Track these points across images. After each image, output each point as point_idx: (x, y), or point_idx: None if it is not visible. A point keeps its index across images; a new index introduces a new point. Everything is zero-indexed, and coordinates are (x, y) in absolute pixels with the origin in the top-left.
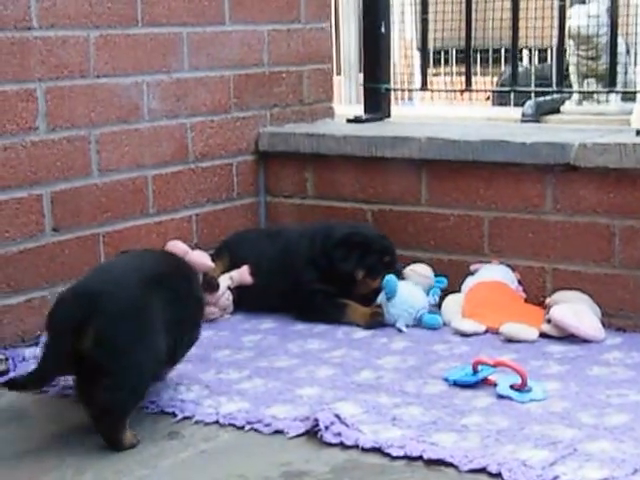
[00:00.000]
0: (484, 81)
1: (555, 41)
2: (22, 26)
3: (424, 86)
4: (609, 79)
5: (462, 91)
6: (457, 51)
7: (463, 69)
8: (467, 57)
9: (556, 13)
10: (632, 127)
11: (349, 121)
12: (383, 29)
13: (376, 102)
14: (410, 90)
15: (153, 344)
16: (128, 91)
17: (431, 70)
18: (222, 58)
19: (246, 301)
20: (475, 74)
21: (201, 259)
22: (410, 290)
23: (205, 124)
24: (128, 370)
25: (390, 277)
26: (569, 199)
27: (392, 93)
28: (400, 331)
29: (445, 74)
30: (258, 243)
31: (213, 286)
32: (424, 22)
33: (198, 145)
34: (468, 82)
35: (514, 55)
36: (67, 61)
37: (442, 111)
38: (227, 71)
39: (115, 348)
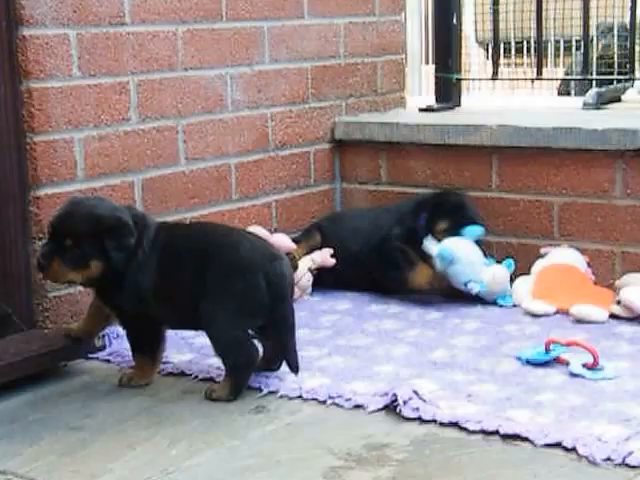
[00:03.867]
0: (553, 71)
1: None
2: (116, 22)
3: (495, 75)
4: None
5: (533, 79)
6: (516, 42)
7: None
8: (539, 46)
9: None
10: None
11: (421, 110)
12: (455, 20)
13: (447, 91)
14: (481, 80)
15: None
16: (213, 83)
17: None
18: (300, 50)
19: (331, 279)
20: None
21: (283, 241)
22: (467, 252)
23: (284, 114)
24: None
25: (442, 247)
26: (639, 184)
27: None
28: (474, 295)
29: (504, 65)
30: (350, 221)
31: (293, 266)
32: (495, 13)
33: (278, 134)
34: (539, 71)
35: (585, 44)
36: (157, 55)
37: (504, 101)
38: (305, 63)
39: None
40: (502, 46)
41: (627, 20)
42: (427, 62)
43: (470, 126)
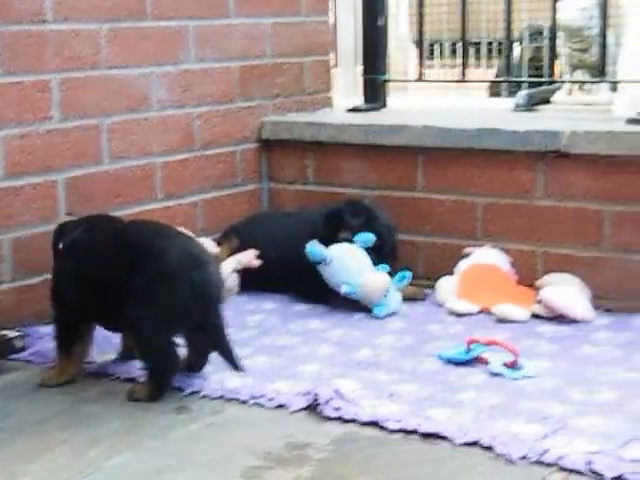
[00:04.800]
0: (482, 72)
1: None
2: (38, 20)
3: (420, 77)
4: (600, 70)
5: (457, 81)
6: (450, 44)
7: (456, 61)
8: (464, 49)
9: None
10: (616, 115)
11: (349, 110)
12: (381, 22)
13: (374, 92)
14: (407, 81)
15: None
16: (137, 82)
17: (425, 62)
18: (227, 50)
19: (252, 282)
20: (467, 66)
21: (206, 246)
22: (345, 256)
23: (210, 113)
24: None
25: (311, 247)
26: (560, 185)
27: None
28: (344, 296)
29: (439, 66)
30: (267, 226)
31: None
32: (420, 16)
33: (204, 133)
34: (463, 73)
35: (509, 47)
36: (80, 53)
37: (436, 102)
38: (231, 62)
39: None
40: (439, 47)
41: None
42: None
43: (396, 127)
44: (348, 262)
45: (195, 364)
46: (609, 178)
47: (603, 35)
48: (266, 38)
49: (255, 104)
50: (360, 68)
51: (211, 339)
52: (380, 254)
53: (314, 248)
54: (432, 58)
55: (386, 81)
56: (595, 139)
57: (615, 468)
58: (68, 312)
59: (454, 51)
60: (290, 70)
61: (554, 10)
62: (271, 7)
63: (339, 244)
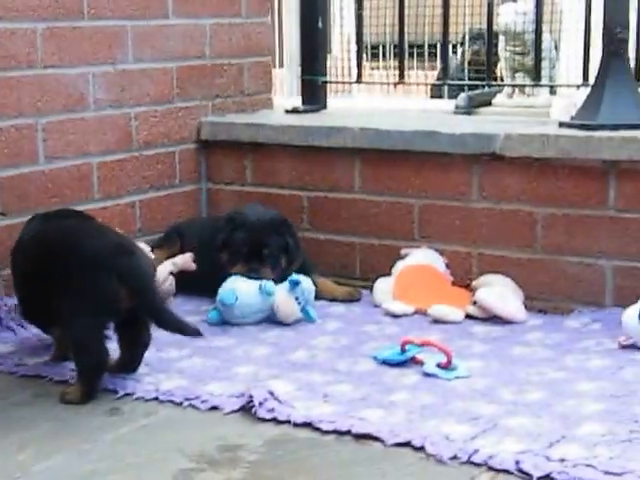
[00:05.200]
0: (424, 75)
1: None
2: None
3: (359, 79)
4: (535, 74)
5: (395, 84)
6: (394, 46)
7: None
8: (400, 51)
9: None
10: (552, 119)
11: (287, 112)
12: (320, 23)
13: (313, 94)
14: (345, 83)
15: None
16: (74, 81)
17: (369, 64)
18: (165, 50)
19: (188, 286)
20: (412, 68)
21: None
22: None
23: (149, 114)
24: None
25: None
26: (494, 187)
27: (332, 86)
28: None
29: (383, 68)
30: (202, 230)
31: None
32: (359, 17)
33: (142, 134)
34: (402, 75)
35: (444, 50)
36: (15, 52)
37: (379, 103)
38: (170, 63)
39: None
40: (380, 49)
41: (495, 27)
42: None
43: (333, 128)
44: (252, 300)
45: (129, 364)
46: (542, 181)
47: (537, 39)
48: (205, 39)
49: (194, 105)
50: None
51: (141, 327)
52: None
53: (228, 294)
54: (376, 60)
55: (325, 82)
56: (528, 142)
57: (543, 467)
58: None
59: (397, 53)
60: (230, 71)
61: (490, 14)
62: (210, 8)
63: (235, 280)
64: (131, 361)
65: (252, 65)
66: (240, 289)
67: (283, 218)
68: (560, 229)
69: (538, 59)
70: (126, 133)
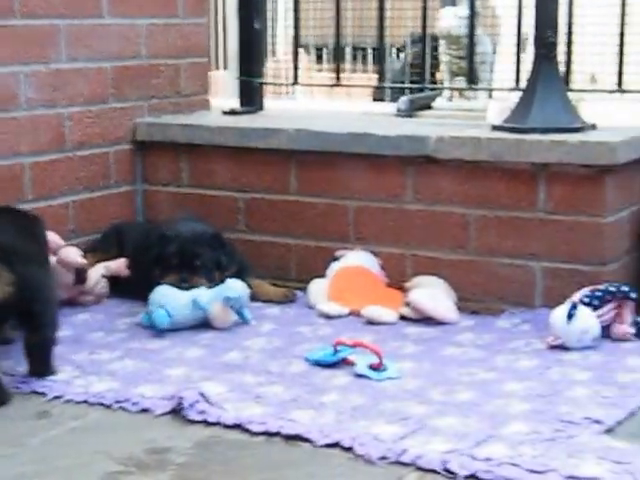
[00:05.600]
0: (367, 77)
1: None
2: None
3: (295, 81)
4: (469, 77)
5: (332, 85)
6: (340, 48)
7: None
8: (337, 53)
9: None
10: (487, 122)
11: (224, 113)
12: (257, 25)
13: (251, 95)
14: (282, 85)
15: None
16: (5, 80)
17: (314, 65)
18: (100, 50)
19: (122, 289)
20: (356, 71)
21: (71, 256)
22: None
23: (83, 114)
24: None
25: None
26: (428, 189)
27: (277, 88)
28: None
29: (326, 70)
30: (138, 235)
31: (82, 279)
32: (296, 20)
33: (76, 134)
34: (338, 77)
35: (380, 52)
36: None
37: (322, 105)
38: (105, 63)
39: None
40: (325, 51)
41: (436, 31)
42: None
43: (269, 130)
44: (186, 315)
45: (31, 368)
46: (474, 183)
47: (471, 44)
48: (141, 39)
49: (129, 105)
50: None
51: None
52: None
53: (161, 318)
54: (321, 62)
55: (262, 84)
56: (461, 145)
57: (468, 467)
58: None
59: (342, 56)
60: (166, 72)
61: (424, 18)
62: (146, 8)
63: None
64: (31, 365)
65: (189, 66)
66: (171, 305)
67: (215, 232)
68: (492, 231)
69: (470, 63)
70: (59, 133)
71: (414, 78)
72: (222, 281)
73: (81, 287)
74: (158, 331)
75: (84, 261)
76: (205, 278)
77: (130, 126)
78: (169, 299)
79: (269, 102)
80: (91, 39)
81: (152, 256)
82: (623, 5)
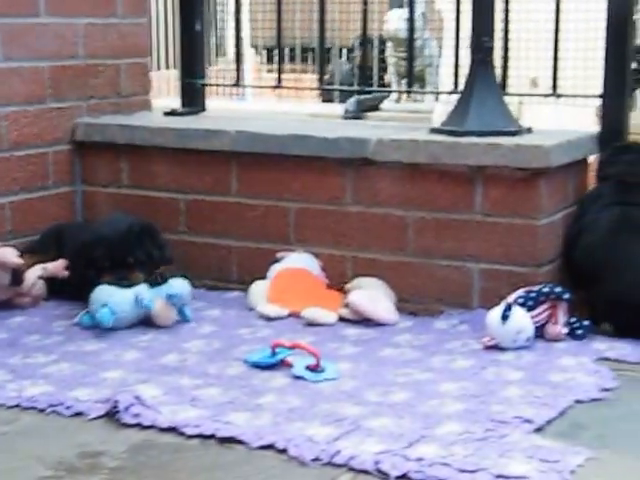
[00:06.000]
0: (316, 78)
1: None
2: None
3: (237, 82)
4: (409, 80)
5: (274, 87)
6: (290, 49)
7: (294, 66)
8: (280, 55)
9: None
10: (432, 124)
11: (166, 114)
12: (198, 27)
13: (192, 96)
14: (225, 86)
15: None
16: None
17: (265, 66)
18: (37, 49)
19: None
20: (306, 72)
21: (7, 256)
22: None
23: (20, 114)
24: None
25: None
26: (367, 192)
27: (227, 90)
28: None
29: (276, 71)
30: (77, 235)
31: (18, 280)
32: (237, 22)
33: (12, 134)
34: (279, 79)
35: (321, 54)
36: None
37: (271, 106)
38: (42, 62)
39: None
40: (275, 52)
41: (383, 33)
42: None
43: (210, 131)
44: (128, 312)
45: None
46: (412, 185)
47: (410, 46)
48: (79, 38)
49: (67, 105)
50: None
51: None
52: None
53: (105, 316)
54: (271, 63)
55: (204, 85)
56: (399, 147)
57: (400, 467)
58: None
59: (293, 57)
60: (105, 72)
61: (364, 21)
62: (84, 7)
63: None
64: None
65: (129, 66)
66: (114, 302)
67: (144, 224)
68: (430, 233)
69: (410, 66)
70: None
71: (361, 80)
72: (165, 279)
73: (17, 288)
74: (103, 329)
75: (20, 261)
76: (142, 272)
77: (69, 126)
78: (112, 297)
79: (220, 103)
80: (27, 38)
81: (84, 260)
82: (557, 10)
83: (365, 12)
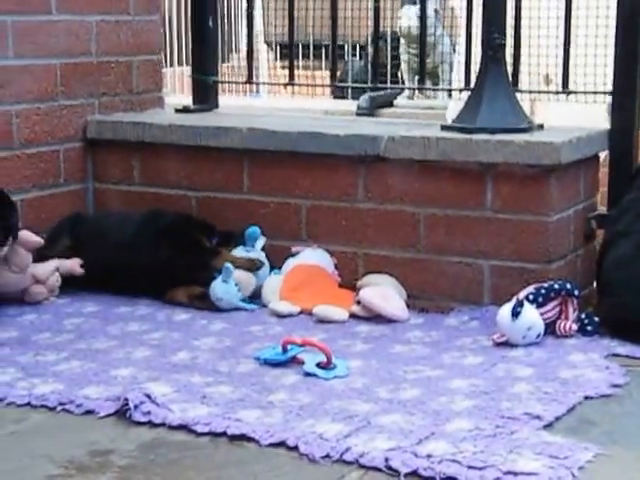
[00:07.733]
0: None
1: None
2: None
3: (250, 79)
4: (420, 76)
5: (285, 84)
6: (303, 46)
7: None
8: (290, 51)
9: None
10: (445, 121)
11: (177, 111)
12: (211, 23)
13: (204, 93)
14: (237, 83)
15: None
16: None
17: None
18: (48, 47)
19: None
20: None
21: (28, 236)
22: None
23: (31, 111)
24: None
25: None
26: (379, 188)
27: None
28: None
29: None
30: (95, 226)
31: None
32: (249, 18)
33: (24, 132)
34: (292, 76)
35: (333, 51)
36: None
37: (285, 103)
38: (53, 60)
39: None
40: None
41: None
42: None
43: (221, 128)
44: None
45: None
46: (423, 182)
47: (422, 43)
48: (91, 36)
49: (79, 103)
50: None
51: None
52: None
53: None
54: (285, 60)
55: (216, 82)
56: (410, 144)
57: (410, 464)
58: None
59: (307, 54)
60: (117, 69)
61: (377, 18)
62: (96, 5)
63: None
64: None
65: (141, 63)
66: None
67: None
68: (441, 229)
69: (423, 61)
70: (6, 131)
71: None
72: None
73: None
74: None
75: (41, 240)
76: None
77: (80, 124)
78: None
79: (234, 100)
80: (39, 36)
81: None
82: (569, 7)
83: (378, 9)
